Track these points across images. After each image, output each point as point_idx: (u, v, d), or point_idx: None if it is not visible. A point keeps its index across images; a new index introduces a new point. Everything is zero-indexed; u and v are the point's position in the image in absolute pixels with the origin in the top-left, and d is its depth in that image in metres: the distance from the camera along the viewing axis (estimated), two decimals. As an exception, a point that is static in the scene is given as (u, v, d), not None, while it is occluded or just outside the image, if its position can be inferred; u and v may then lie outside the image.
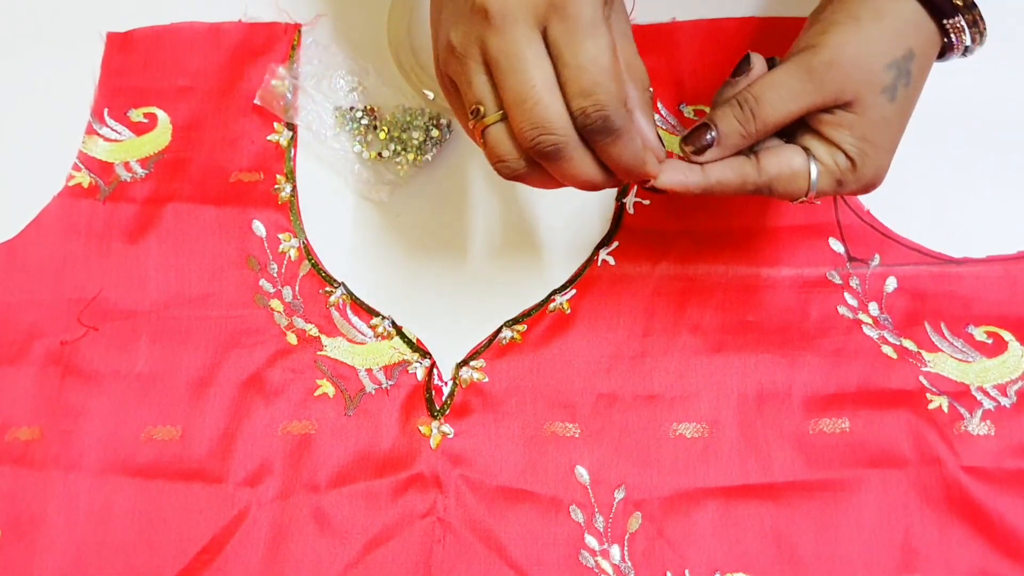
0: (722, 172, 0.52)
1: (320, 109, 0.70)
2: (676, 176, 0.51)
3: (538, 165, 0.48)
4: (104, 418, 0.61)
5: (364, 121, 0.69)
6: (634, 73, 0.50)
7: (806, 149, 0.53)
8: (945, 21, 0.52)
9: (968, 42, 0.53)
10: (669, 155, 0.51)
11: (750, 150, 0.53)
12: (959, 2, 0.51)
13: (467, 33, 0.46)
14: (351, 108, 0.70)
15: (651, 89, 0.51)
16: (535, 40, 0.45)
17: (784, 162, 0.52)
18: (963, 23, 0.52)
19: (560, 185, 0.50)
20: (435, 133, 0.69)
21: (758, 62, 0.54)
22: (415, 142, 0.68)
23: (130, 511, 0.59)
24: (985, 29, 0.53)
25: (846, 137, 0.52)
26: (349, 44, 0.73)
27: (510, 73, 0.45)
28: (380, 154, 0.68)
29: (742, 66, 0.54)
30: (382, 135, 0.68)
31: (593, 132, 0.46)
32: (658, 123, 0.69)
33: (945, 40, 0.53)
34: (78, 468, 0.60)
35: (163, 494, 0.60)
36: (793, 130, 0.53)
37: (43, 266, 0.66)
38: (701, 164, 0.52)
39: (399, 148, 0.68)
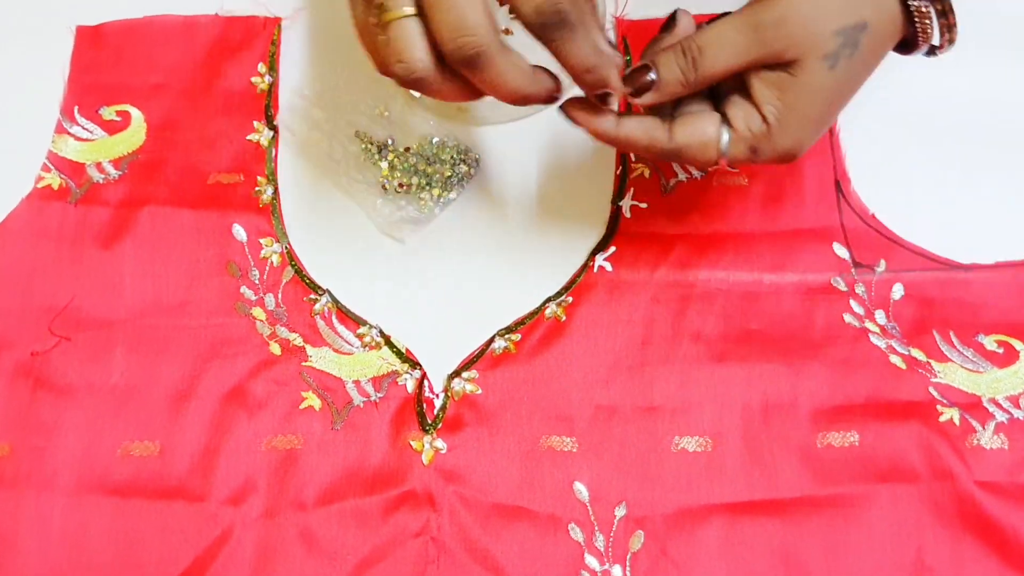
0: (632, 129, 0.53)
1: (343, 136, 0.68)
2: (589, 114, 0.53)
3: (448, 72, 0.47)
4: (78, 433, 0.59)
5: (388, 150, 0.67)
6: None
7: (724, 113, 0.52)
8: (910, 2, 0.50)
9: (936, 38, 0.52)
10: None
11: (670, 109, 0.54)
12: None
13: None
14: (369, 137, 0.68)
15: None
16: None
17: (696, 132, 0.52)
18: (932, 12, 0.51)
19: (464, 98, 0.49)
20: (463, 168, 0.66)
21: (684, 18, 0.54)
22: (441, 176, 0.66)
23: (107, 532, 0.57)
24: (955, 26, 0.51)
25: (771, 99, 0.51)
26: (329, 40, 0.72)
27: None
28: (401, 185, 0.66)
29: (669, 24, 0.54)
30: (407, 165, 0.66)
31: (547, 27, 0.46)
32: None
33: (910, 28, 0.51)
34: (51, 487, 0.58)
35: (142, 513, 0.57)
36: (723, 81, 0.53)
37: (11, 272, 0.64)
38: (617, 113, 0.53)
39: (423, 182, 0.66)
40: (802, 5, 0.49)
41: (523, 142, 0.68)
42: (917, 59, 0.54)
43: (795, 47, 0.49)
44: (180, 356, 0.61)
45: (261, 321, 0.62)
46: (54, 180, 0.66)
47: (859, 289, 0.62)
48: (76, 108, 0.69)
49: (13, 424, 0.59)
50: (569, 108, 0.53)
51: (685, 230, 0.64)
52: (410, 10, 0.45)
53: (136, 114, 0.69)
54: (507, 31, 0.65)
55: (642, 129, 0.52)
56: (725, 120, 0.52)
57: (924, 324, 0.61)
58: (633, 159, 0.67)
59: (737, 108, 0.52)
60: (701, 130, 0.52)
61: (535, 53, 0.48)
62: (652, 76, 0.51)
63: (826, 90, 0.51)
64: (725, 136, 0.52)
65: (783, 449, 0.58)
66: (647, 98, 0.52)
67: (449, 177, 0.66)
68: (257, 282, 0.63)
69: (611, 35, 0.71)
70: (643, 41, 0.68)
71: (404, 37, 0.46)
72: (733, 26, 0.50)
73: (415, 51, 0.46)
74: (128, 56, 0.70)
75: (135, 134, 0.68)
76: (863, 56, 0.51)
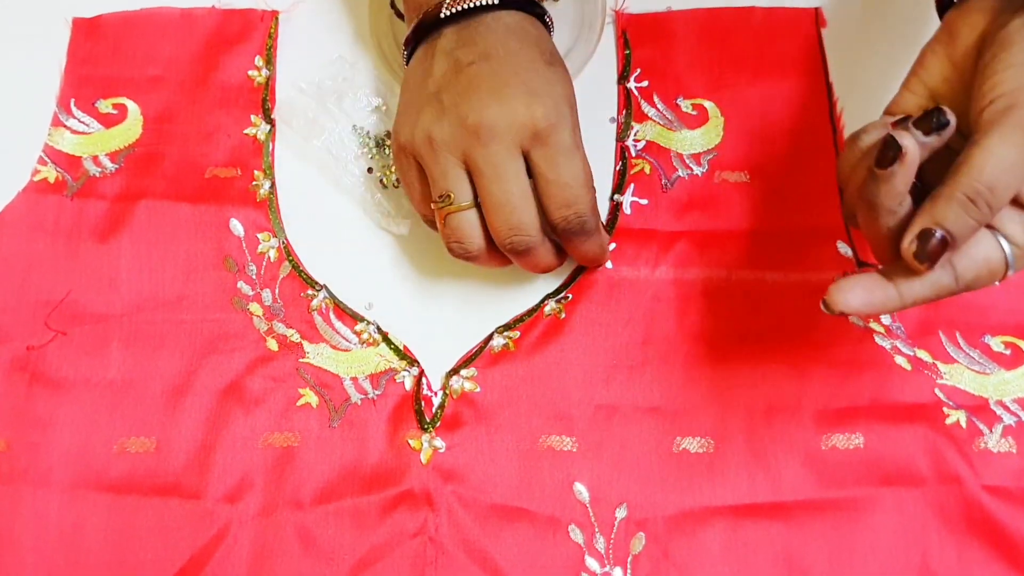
0: (920, 294, 0.46)
1: (341, 130, 0.67)
2: (870, 297, 0.46)
3: (494, 251, 0.57)
4: (74, 429, 0.59)
5: (386, 144, 0.67)
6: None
7: (997, 230, 0.47)
8: None
9: None
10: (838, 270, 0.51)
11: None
12: None
13: (454, 137, 0.54)
14: (367, 131, 0.67)
15: (595, 188, 0.57)
16: (517, 157, 0.54)
17: (980, 261, 0.46)
18: None
19: (500, 266, 0.59)
20: None
21: (912, 147, 0.45)
22: None
23: (102, 529, 0.56)
24: None
25: None
26: (329, 33, 0.71)
27: (494, 180, 0.54)
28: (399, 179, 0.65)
29: (890, 153, 0.45)
30: None
31: (571, 234, 0.56)
32: (654, 118, 0.68)
33: None
34: (47, 483, 0.57)
35: (137, 510, 0.57)
36: None
37: (7, 266, 0.63)
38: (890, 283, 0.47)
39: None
40: None
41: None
42: (916, 56, 0.53)
43: None
44: (176, 351, 0.61)
45: (258, 316, 0.62)
46: (50, 173, 0.66)
47: (864, 288, 0.61)
48: (72, 101, 0.68)
49: (9, 419, 0.59)
50: (843, 304, 0.46)
51: (686, 227, 0.64)
52: (464, 206, 0.55)
53: (133, 107, 0.68)
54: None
55: (930, 289, 0.46)
56: (998, 233, 0.47)
57: (930, 325, 0.61)
58: (633, 155, 0.66)
59: (1012, 223, 0.46)
60: (986, 261, 0.46)
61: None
62: (940, 239, 0.44)
63: None
64: (1010, 256, 0.46)
65: (786, 451, 0.58)
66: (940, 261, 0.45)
67: None
68: (254, 277, 0.63)
69: (611, 31, 0.71)
70: (643, 36, 0.70)
71: (459, 226, 0.56)
72: (1009, 143, 0.44)
73: (474, 240, 0.56)
74: (125, 48, 0.70)
75: (132, 127, 0.67)
76: None
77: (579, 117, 0.58)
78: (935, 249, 0.45)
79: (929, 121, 0.45)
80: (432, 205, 0.57)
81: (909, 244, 0.45)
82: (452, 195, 0.55)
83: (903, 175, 0.45)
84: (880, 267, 0.48)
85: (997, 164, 0.44)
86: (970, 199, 0.44)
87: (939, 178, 0.45)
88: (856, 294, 0.46)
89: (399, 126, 0.58)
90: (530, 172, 0.55)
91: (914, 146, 0.44)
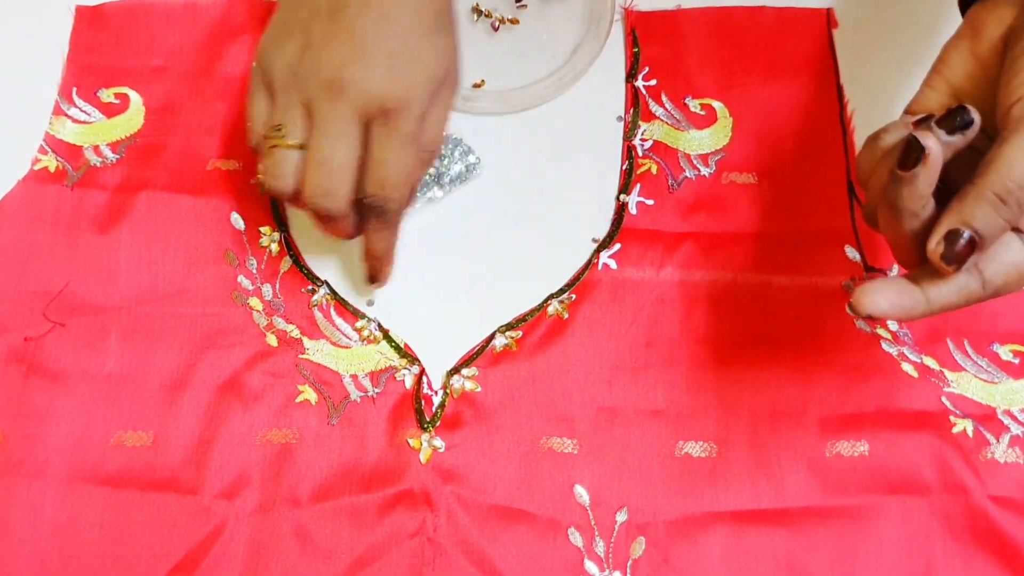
0: (947, 299, 0.45)
1: None
2: (899, 300, 0.45)
3: (300, 200, 0.56)
4: (71, 421, 0.58)
5: None
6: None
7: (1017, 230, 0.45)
8: None
9: None
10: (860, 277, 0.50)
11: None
12: None
13: (306, 80, 0.54)
14: None
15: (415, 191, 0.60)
16: (356, 124, 0.54)
17: (1009, 265, 0.45)
18: None
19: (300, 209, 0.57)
20: (469, 160, 0.66)
21: (935, 148, 0.43)
22: (445, 171, 0.65)
23: (98, 523, 0.56)
24: None
25: None
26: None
27: (324, 136, 0.54)
28: None
29: (913, 155, 0.44)
30: None
31: (371, 212, 0.57)
32: (662, 117, 0.67)
33: None
34: (43, 475, 0.57)
35: (133, 505, 0.56)
36: None
37: (6, 256, 0.63)
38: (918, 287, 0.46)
39: (425, 177, 0.65)
40: None
41: (526, 136, 0.67)
42: (930, 58, 0.52)
43: None
44: (175, 345, 0.60)
45: (258, 311, 0.61)
46: (51, 163, 0.65)
47: (871, 294, 0.61)
48: (75, 90, 0.68)
49: (5, 410, 0.58)
50: (870, 306, 0.45)
51: (692, 229, 0.63)
52: (291, 143, 0.55)
53: (135, 97, 0.67)
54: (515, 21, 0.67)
55: (957, 294, 0.45)
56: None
57: (937, 332, 0.60)
58: (640, 155, 0.65)
59: None
60: (1015, 265, 0.45)
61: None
62: (969, 240, 0.43)
63: None
64: None
65: (790, 457, 0.57)
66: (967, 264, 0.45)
67: (451, 171, 0.65)
68: (255, 271, 0.62)
69: (619, 28, 0.70)
70: (652, 34, 0.69)
71: (285, 166, 0.55)
72: None
73: (286, 180, 0.55)
74: (128, 37, 0.69)
75: (133, 117, 0.67)
76: None
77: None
78: (963, 250, 0.43)
79: (953, 120, 0.44)
80: (263, 131, 0.56)
81: (936, 246, 0.44)
82: (285, 130, 0.55)
83: (926, 177, 0.43)
84: (887, 272, 0.47)
85: (1018, 158, 0.43)
86: (1000, 198, 0.43)
87: (963, 179, 0.44)
88: (885, 296, 0.45)
89: (265, 45, 0.58)
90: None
91: (937, 147, 0.43)
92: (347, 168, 0.54)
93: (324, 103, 0.54)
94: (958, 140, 0.44)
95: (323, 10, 0.55)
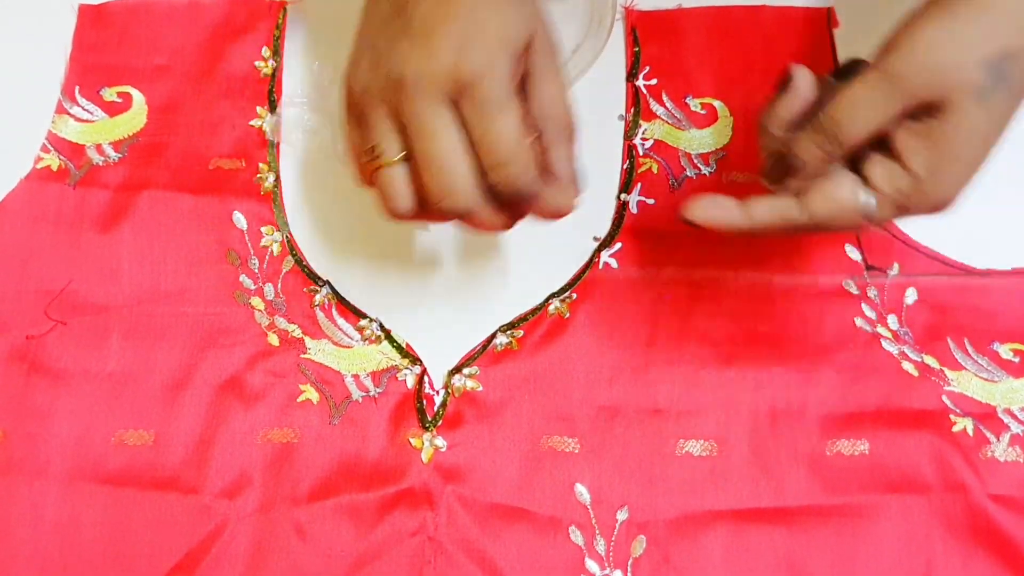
0: (763, 215, 0.50)
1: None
2: (716, 212, 0.51)
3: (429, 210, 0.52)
4: (72, 420, 0.58)
5: None
6: (554, 110, 0.52)
7: (863, 175, 0.49)
8: None
9: None
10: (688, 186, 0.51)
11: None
12: None
13: (382, 89, 0.50)
14: None
15: (573, 125, 0.53)
16: (444, 112, 0.49)
17: (833, 201, 0.49)
18: None
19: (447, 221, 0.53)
20: None
21: (801, 78, 0.51)
22: None
23: (99, 521, 0.56)
24: None
25: (919, 151, 0.48)
26: (337, 23, 0.69)
27: (419, 137, 0.49)
28: None
29: (784, 84, 0.52)
30: None
31: (508, 197, 0.51)
32: (663, 117, 0.67)
33: None
34: (44, 474, 0.57)
35: (135, 504, 0.56)
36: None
37: (8, 254, 0.63)
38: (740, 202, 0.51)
39: None
40: (937, 43, 0.47)
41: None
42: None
43: (939, 89, 0.46)
44: (177, 344, 0.60)
45: (259, 311, 0.61)
46: (53, 161, 0.65)
47: (871, 293, 0.61)
48: (77, 88, 0.68)
49: (7, 409, 0.59)
50: (690, 214, 0.51)
51: (693, 227, 0.63)
52: (391, 160, 0.51)
53: (138, 96, 0.67)
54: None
55: (775, 212, 0.50)
56: (865, 182, 0.49)
57: (938, 330, 0.60)
58: (641, 154, 0.65)
59: (877, 167, 0.49)
60: (837, 198, 0.49)
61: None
62: (788, 159, 0.50)
63: (980, 128, 0.47)
64: (870, 200, 0.49)
65: (791, 456, 0.57)
66: (792, 184, 0.50)
67: None
68: (256, 271, 0.62)
69: (620, 27, 0.70)
70: (653, 33, 0.69)
71: (392, 185, 0.51)
72: (867, 84, 0.48)
73: (400, 198, 0.51)
74: (131, 36, 0.69)
75: (136, 116, 0.67)
76: (1014, 88, 0.47)
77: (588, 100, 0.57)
78: (779, 170, 0.51)
79: (841, 69, 0.52)
80: (362, 160, 0.53)
81: (766, 166, 0.52)
82: (378, 149, 0.51)
83: (787, 101, 0.51)
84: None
85: (845, 100, 0.48)
86: (816, 129, 0.49)
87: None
88: (710, 206, 0.51)
89: (345, 75, 0.54)
90: None
91: (805, 81, 0.51)
92: (455, 157, 0.50)
93: (404, 105, 0.50)
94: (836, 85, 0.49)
95: (386, 15, 0.52)
